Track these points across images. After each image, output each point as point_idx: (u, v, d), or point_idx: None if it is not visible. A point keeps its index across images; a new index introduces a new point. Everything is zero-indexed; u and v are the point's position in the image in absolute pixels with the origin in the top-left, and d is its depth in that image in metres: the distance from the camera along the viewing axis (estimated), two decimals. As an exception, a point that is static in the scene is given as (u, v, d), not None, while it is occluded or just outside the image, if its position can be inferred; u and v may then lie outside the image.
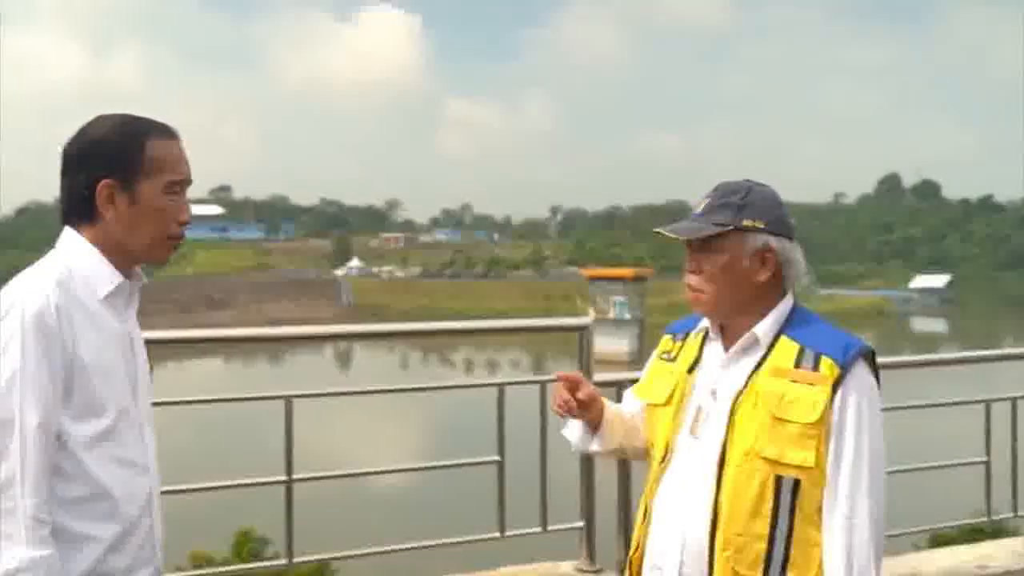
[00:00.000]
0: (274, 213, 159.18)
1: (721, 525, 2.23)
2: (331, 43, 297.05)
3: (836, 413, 2.20)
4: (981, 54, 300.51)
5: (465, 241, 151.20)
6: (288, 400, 3.61)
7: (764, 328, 2.32)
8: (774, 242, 2.33)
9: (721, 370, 2.36)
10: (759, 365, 2.29)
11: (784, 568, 2.20)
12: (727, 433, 2.26)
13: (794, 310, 2.37)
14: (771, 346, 2.31)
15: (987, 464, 4.85)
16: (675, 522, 2.32)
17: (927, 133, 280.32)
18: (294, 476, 3.62)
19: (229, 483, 3.63)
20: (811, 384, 2.21)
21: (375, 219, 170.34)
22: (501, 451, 4.04)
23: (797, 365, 2.25)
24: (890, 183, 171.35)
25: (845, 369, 2.21)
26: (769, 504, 2.20)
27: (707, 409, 2.34)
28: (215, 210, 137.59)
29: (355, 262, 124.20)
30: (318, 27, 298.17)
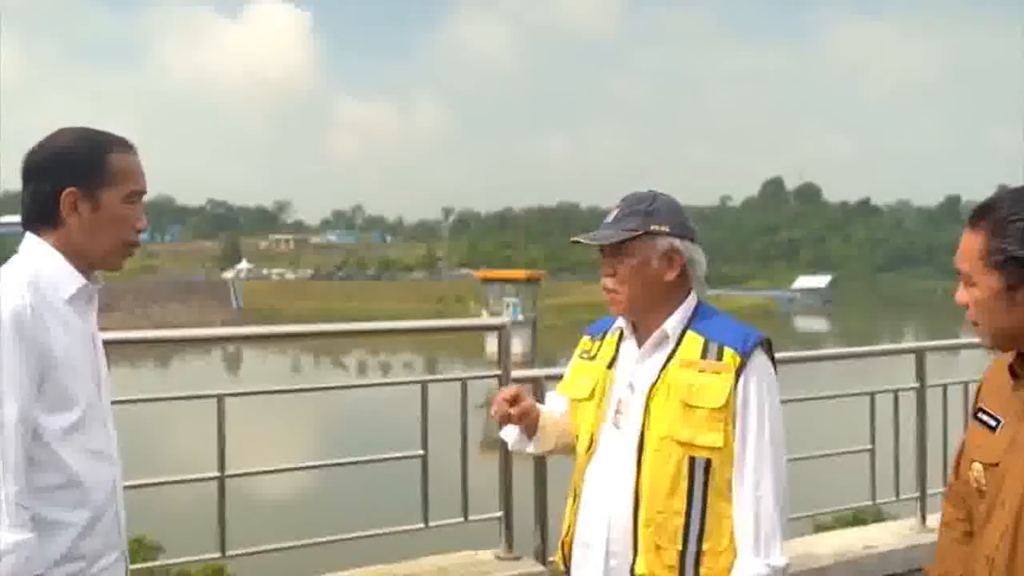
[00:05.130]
0: (159, 214, 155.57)
1: (643, 504, 2.45)
2: (218, 39, 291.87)
3: (740, 397, 2.44)
4: (859, 64, 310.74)
5: (357, 242, 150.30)
6: (220, 398, 3.73)
7: (672, 324, 2.55)
8: (679, 244, 2.56)
9: (636, 365, 2.58)
10: (669, 358, 2.52)
11: (700, 539, 2.44)
12: (644, 421, 2.49)
13: (698, 306, 2.60)
14: (679, 340, 2.54)
15: (872, 452, 5.18)
16: (601, 504, 2.54)
17: (808, 138, 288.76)
18: (227, 472, 3.74)
19: (163, 480, 3.72)
20: (716, 373, 2.45)
21: (264, 220, 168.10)
22: (425, 446, 4.20)
23: (703, 356, 2.48)
24: (774, 186, 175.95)
25: (746, 357, 2.45)
26: (684, 483, 2.43)
27: (627, 401, 2.56)
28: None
29: (244, 264, 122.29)
30: (205, 23, 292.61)
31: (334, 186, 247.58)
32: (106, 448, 2.23)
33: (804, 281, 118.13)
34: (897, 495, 5.26)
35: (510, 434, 2.77)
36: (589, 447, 2.61)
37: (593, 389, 2.64)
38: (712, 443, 2.42)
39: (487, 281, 76.34)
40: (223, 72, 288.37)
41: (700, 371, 2.46)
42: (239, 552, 3.79)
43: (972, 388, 5.21)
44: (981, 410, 2.20)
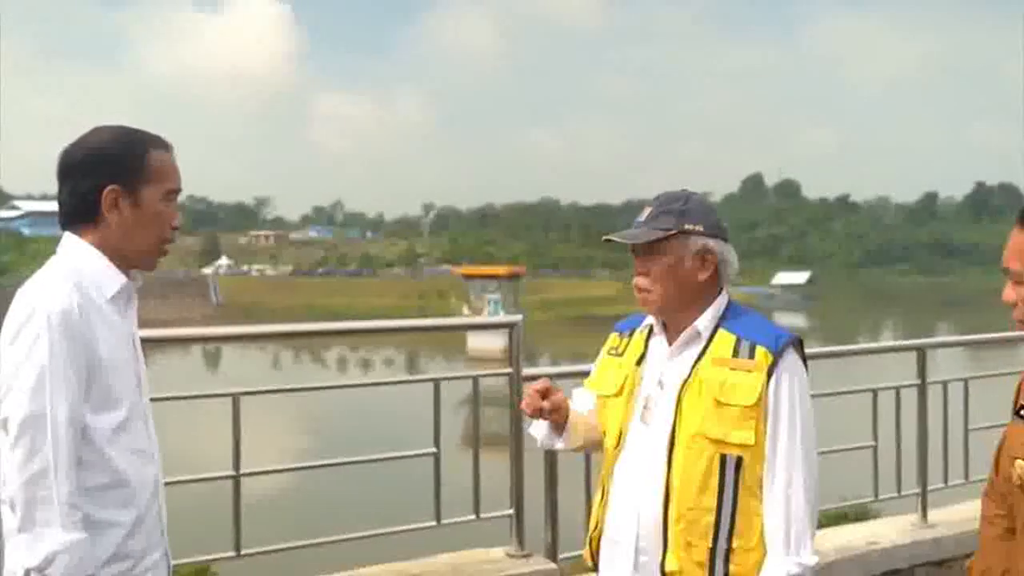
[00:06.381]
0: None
1: (673, 501, 2.46)
2: (198, 34, 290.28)
3: (771, 395, 2.45)
4: (840, 61, 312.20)
5: (337, 239, 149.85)
6: (236, 397, 3.73)
7: (704, 322, 2.56)
8: (712, 244, 2.57)
9: (667, 362, 2.59)
10: (701, 356, 2.53)
11: (730, 536, 2.45)
12: (675, 418, 2.50)
13: (729, 305, 2.62)
14: (711, 338, 2.55)
15: (875, 448, 5.21)
16: (631, 501, 2.55)
17: (788, 135, 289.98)
18: (242, 471, 3.74)
19: (175, 479, 3.69)
20: (748, 371, 2.46)
21: (244, 216, 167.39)
22: (437, 443, 4.20)
23: (735, 354, 2.50)
24: (754, 183, 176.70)
25: (778, 356, 2.47)
26: (715, 480, 2.45)
27: (655, 398, 2.57)
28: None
29: (224, 260, 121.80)
30: (184, 17, 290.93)
31: (314, 182, 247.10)
32: (148, 447, 2.24)
33: (784, 277, 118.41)
34: (899, 491, 5.29)
35: (539, 430, 2.77)
36: (617, 444, 2.62)
37: (622, 385, 2.64)
38: (744, 440, 2.43)
39: (468, 277, 76.23)
40: (202, 67, 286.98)
41: (732, 369, 2.47)
42: (253, 551, 3.78)
43: (972, 385, 5.36)
44: None
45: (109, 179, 2.17)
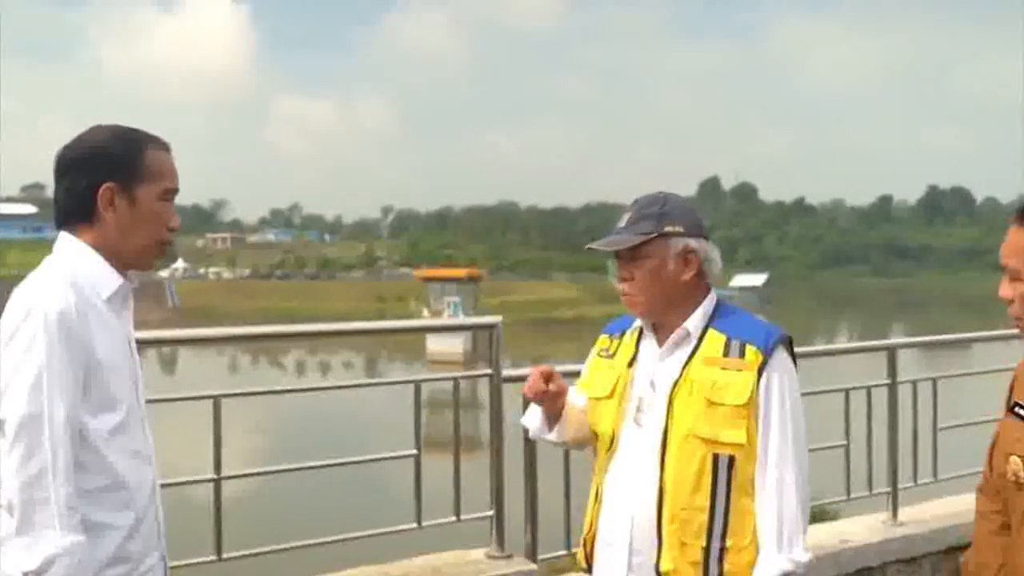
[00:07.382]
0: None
1: (667, 501, 2.48)
2: (154, 33, 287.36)
3: (762, 394, 2.48)
4: (796, 64, 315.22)
5: (295, 241, 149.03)
6: (216, 399, 3.70)
7: (694, 322, 2.58)
8: (694, 243, 2.59)
9: (657, 363, 2.61)
10: (691, 356, 2.55)
11: (724, 535, 2.48)
12: (667, 419, 2.51)
13: (718, 304, 2.64)
14: (701, 338, 2.57)
15: (847, 448, 5.26)
16: (624, 502, 2.57)
17: (744, 138, 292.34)
18: (223, 474, 3.71)
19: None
20: (739, 370, 2.49)
21: (201, 219, 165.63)
22: (418, 445, 4.19)
23: (725, 354, 2.52)
24: (711, 185, 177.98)
25: (768, 355, 2.50)
26: (708, 480, 2.47)
27: (647, 399, 2.58)
28: (29, 209, 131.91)
29: (180, 263, 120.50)
30: (140, 16, 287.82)
31: (272, 184, 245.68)
32: (145, 449, 2.21)
33: (741, 279, 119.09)
34: (870, 490, 5.34)
35: (532, 420, 2.78)
36: (610, 446, 2.63)
37: (613, 387, 2.65)
38: (736, 440, 2.46)
39: (428, 280, 76.00)
40: (158, 67, 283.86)
41: (723, 368, 2.49)
42: (235, 554, 3.75)
43: (941, 384, 5.43)
44: (1018, 404, 2.24)
45: (105, 177, 2.15)
